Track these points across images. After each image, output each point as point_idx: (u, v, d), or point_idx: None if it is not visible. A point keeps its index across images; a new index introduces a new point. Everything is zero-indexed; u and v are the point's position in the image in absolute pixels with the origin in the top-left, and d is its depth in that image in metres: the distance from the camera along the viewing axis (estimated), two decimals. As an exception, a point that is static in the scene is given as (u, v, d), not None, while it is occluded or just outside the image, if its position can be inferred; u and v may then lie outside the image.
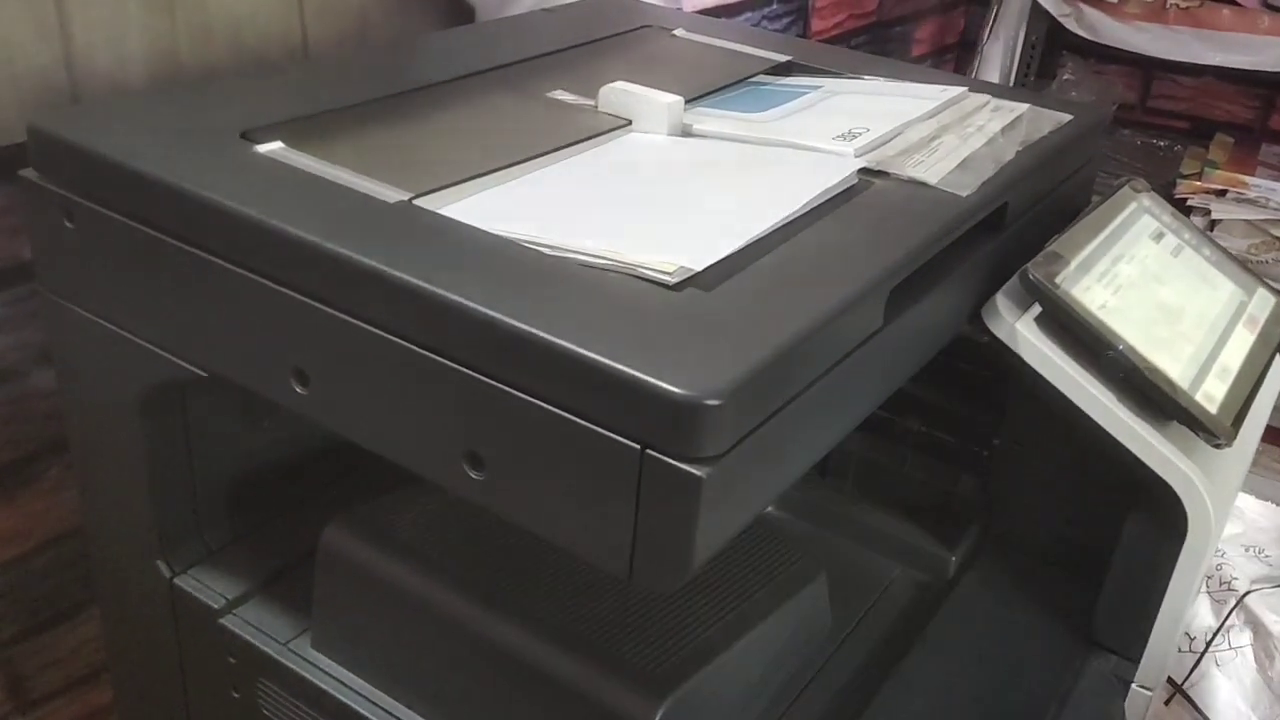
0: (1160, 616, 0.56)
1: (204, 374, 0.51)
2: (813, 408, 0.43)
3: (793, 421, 0.42)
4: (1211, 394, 0.54)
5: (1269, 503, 1.27)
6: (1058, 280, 0.54)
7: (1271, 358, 0.61)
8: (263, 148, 0.52)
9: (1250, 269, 0.65)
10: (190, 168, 0.49)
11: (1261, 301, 0.64)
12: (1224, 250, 0.65)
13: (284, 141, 0.52)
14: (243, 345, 0.49)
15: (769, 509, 0.73)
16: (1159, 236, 0.63)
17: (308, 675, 0.56)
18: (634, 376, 0.37)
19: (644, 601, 0.53)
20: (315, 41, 0.79)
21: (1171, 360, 0.54)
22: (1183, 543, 0.54)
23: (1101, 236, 0.59)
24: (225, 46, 0.73)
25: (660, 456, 0.37)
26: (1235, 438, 0.53)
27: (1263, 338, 0.61)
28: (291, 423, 0.64)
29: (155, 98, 0.58)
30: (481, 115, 0.60)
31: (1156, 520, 0.56)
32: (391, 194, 0.48)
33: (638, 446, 0.37)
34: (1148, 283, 0.59)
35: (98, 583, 0.67)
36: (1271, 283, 0.66)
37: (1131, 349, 0.53)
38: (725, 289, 0.43)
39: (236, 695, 0.60)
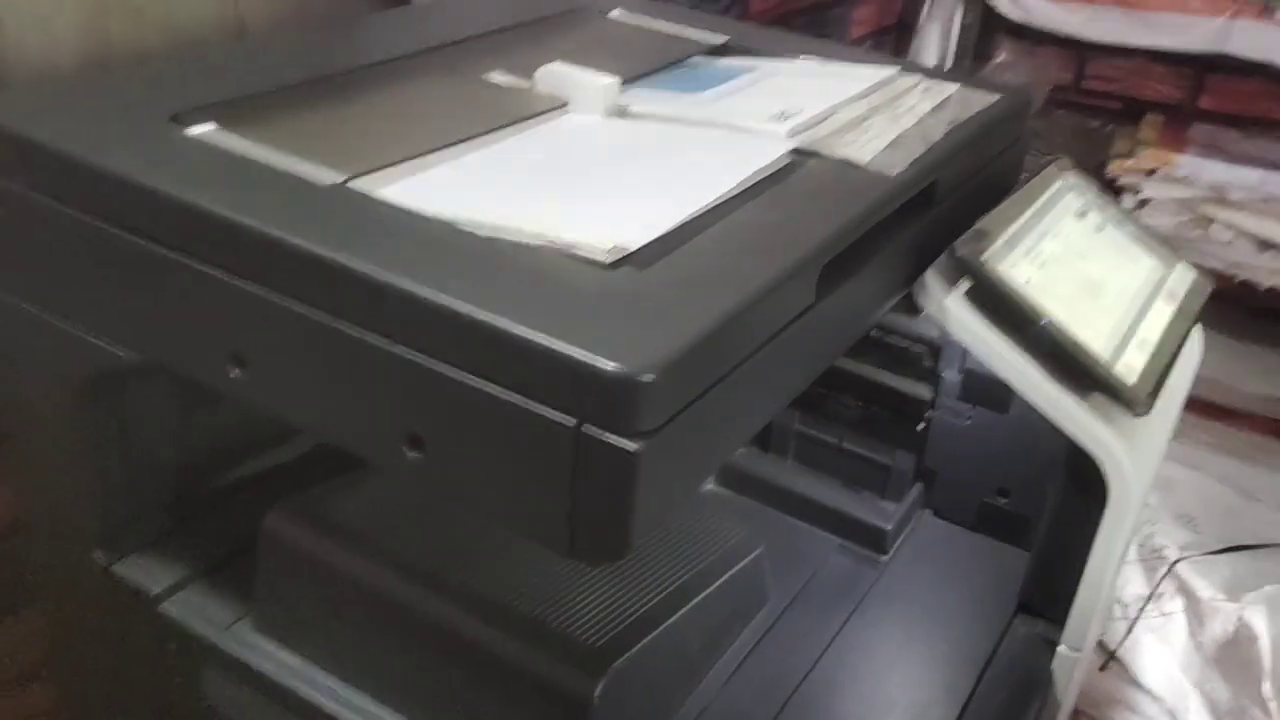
0: (1084, 580, 0.58)
1: (140, 360, 0.51)
2: (747, 383, 0.44)
3: (728, 396, 0.42)
4: (1131, 364, 0.56)
5: (1198, 472, 1.31)
6: (985, 257, 0.56)
7: (1189, 329, 0.63)
8: (194, 130, 0.51)
9: (1170, 244, 0.68)
10: (120, 152, 0.48)
11: (1180, 276, 0.66)
12: (1145, 227, 0.67)
13: (217, 123, 0.52)
14: (178, 330, 0.49)
15: (708, 485, 0.74)
16: (1082, 214, 0.64)
17: (249, 659, 0.56)
18: (569, 354, 0.37)
19: (584, 577, 0.54)
20: (250, 22, 0.78)
21: (1094, 333, 0.56)
22: (1104, 509, 0.56)
23: (1027, 214, 0.61)
24: (157, 27, 0.72)
25: (596, 432, 0.38)
26: (1153, 407, 0.55)
27: (1181, 311, 0.63)
28: (231, 410, 0.64)
29: (85, 81, 0.57)
30: (417, 97, 0.60)
31: (1080, 488, 0.58)
32: (326, 176, 0.48)
33: (573, 422, 0.38)
34: (1071, 258, 0.60)
35: (36, 575, 0.66)
36: (1200, 260, 0.68)
37: (1055, 323, 0.55)
38: (659, 267, 0.44)
39: (178, 681, 0.60)
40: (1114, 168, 1.54)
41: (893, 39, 1.80)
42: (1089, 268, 0.60)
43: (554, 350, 0.38)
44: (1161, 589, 1.13)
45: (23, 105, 0.53)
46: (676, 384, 0.39)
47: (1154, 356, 0.58)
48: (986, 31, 1.73)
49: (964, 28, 1.71)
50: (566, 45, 0.71)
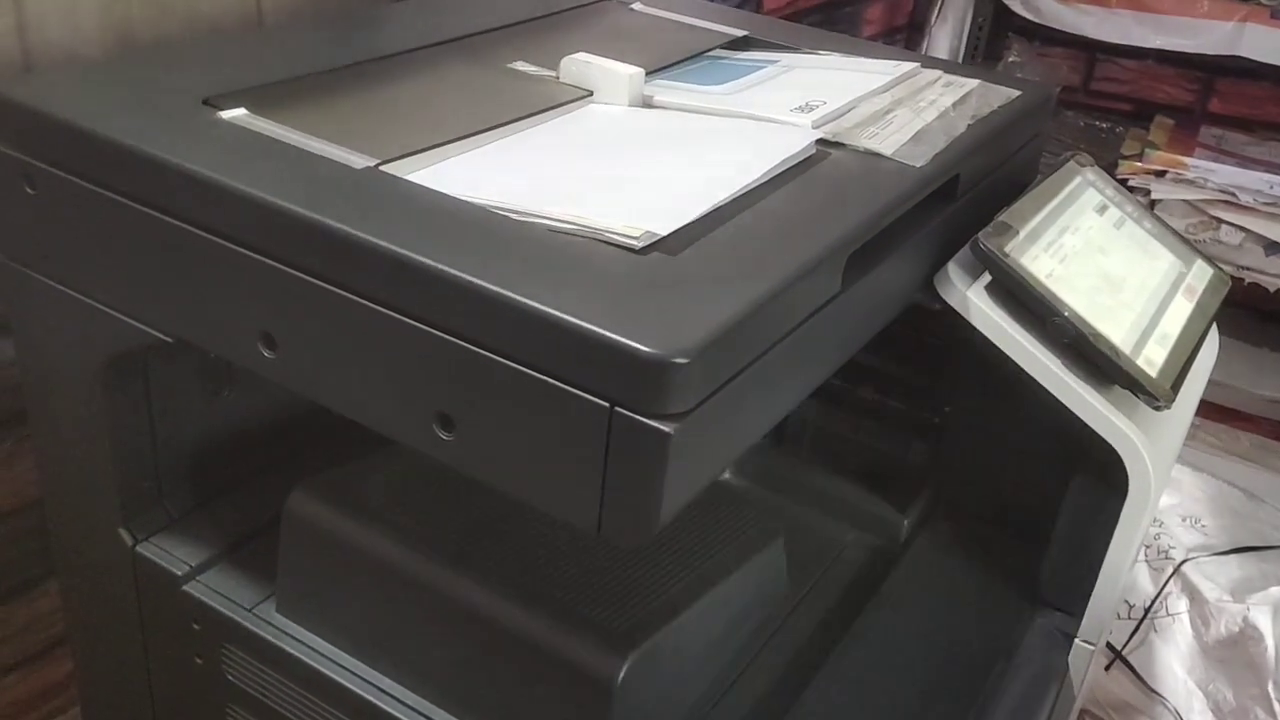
0: (1102, 573, 0.59)
1: (169, 339, 0.51)
2: (774, 369, 0.44)
3: (755, 381, 0.43)
4: (1152, 359, 0.57)
5: (1204, 474, 1.31)
6: (1007, 250, 0.56)
7: (1208, 326, 0.63)
8: (226, 114, 0.52)
9: (1188, 241, 0.68)
10: (155, 133, 0.49)
11: (1199, 272, 0.66)
12: (1164, 223, 0.68)
13: (247, 108, 0.52)
14: (209, 310, 0.49)
15: (727, 476, 0.74)
16: (1102, 209, 0.65)
17: (273, 639, 0.56)
18: (604, 336, 0.38)
19: (608, 562, 0.54)
20: (269, 11, 0.78)
21: (1114, 327, 0.57)
22: (1124, 501, 0.56)
23: (1048, 208, 0.61)
24: (179, 15, 0.73)
25: (629, 413, 0.38)
26: (1174, 400, 0.55)
27: (1200, 306, 0.63)
28: (254, 389, 0.64)
29: (116, 64, 0.57)
30: (444, 85, 0.61)
31: (1099, 480, 0.59)
32: (358, 160, 0.48)
33: (607, 404, 0.39)
34: (1092, 253, 0.61)
35: (57, 554, 0.66)
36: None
37: (1077, 315, 0.55)
38: (690, 253, 0.44)
39: (200, 661, 0.60)
40: (1123, 169, 1.54)
41: (903, 39, 1.81)
42: (1109, 263, 0.61)
43: (589, 333, 0.38)
44: (1168, 589, 1.13)
45: (54, 88, 0.53)
46: (708, 368, 0.39)
47: (1174, 351, 0.58)
48: (996, 33, 1.74)
49: (975, 28, 1.72)
50: (590, 36, 0.72)
